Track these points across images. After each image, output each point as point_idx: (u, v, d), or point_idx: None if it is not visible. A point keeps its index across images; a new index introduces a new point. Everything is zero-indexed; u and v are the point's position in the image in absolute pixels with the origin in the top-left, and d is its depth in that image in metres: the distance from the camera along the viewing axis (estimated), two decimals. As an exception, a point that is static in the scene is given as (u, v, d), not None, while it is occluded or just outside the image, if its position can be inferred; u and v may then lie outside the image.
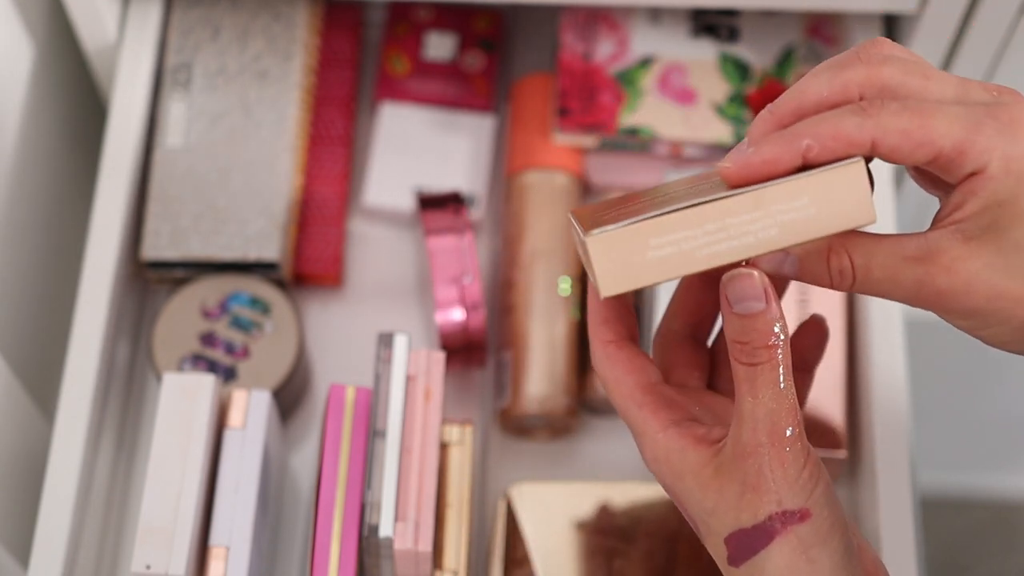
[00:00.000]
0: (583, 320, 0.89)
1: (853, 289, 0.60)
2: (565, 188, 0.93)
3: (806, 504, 0.58)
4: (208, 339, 0.87)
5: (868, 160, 0.58)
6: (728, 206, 0.57)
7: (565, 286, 0.90)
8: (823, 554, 0.58)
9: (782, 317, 0.58)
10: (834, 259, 0.60)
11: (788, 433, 0.58)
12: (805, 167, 0.58)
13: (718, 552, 0.59)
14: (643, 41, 0.96)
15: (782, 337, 0.58)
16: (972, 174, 0.57)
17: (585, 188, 0.96)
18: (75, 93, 1.02)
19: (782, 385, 0.58)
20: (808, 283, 0.60)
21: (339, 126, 0.97)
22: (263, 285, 0.89)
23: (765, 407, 0.58)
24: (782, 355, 0.58)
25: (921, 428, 1.37)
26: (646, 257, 0.57)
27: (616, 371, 0.63)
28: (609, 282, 0.57)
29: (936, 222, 0.60)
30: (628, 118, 0.93)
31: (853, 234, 0.59)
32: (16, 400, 0.87)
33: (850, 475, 0.88)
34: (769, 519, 0.58)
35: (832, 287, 0.60)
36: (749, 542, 0.58)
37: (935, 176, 0.60)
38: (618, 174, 0.95)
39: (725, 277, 0.58)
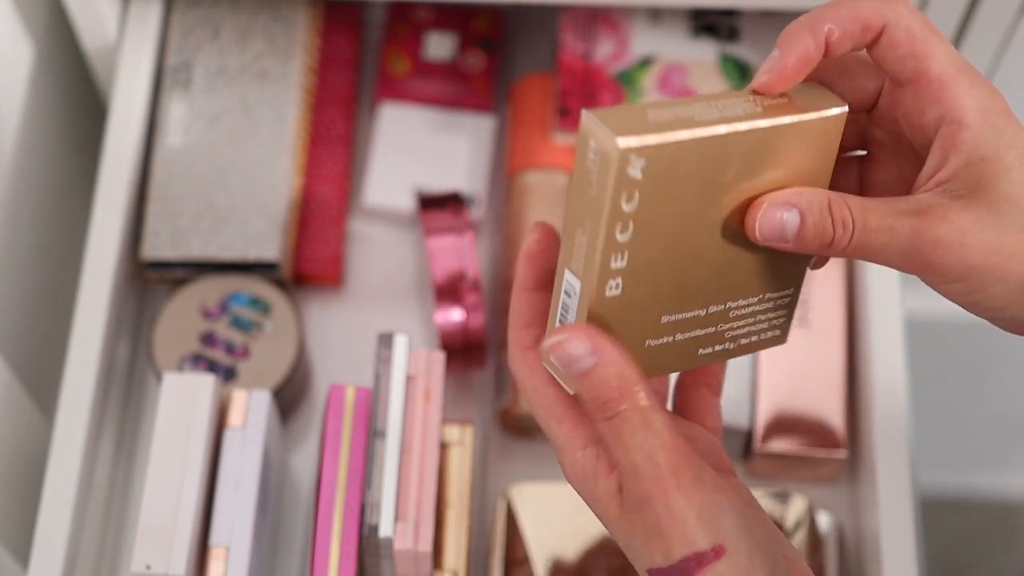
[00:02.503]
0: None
1: (851, 245, 0.58)
2: (565, 188, 0.93)
3: (717, 540, 0.55)
4: (208, 339, 0.87)
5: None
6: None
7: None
8: None
9: (620, 359, 0.56)
10: (835, 208, 0.58)
11: (675, 476, 0.55)
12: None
13: None
14: (643, 41, 0.96)
15: (628, 377, 0.56)
16: (948, 126, 0.58)
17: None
18: (75, 93, 1.02)
19: (655, 426, 0.56)
20: (806, 248, 0.58)
21: (339, 126, 0.97)
22: (263, 285, 0.89)
23: (641, 456, 0.55)
24: (640, 394, 0.56)
25: (921, 428, 1.37)
26: (647, 119, 0.55)
27: (535, 380, 0.60)
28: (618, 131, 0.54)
29: (918, 188, 0.59)
30: (628, 118, 0.93)
31: (848, 195, 0.59)
32: (16, 400, 0.87)
33: (850, 475, 0.88)
34: (684, 560, 0.55)
35: (832, 243, 0.58)
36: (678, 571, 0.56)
37: (904, 141, 0.61)
38: (618, 174, 0.95)
39: (545, 347, 0.57)
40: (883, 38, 0.59)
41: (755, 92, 0.59)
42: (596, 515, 0.58)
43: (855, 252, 0.59)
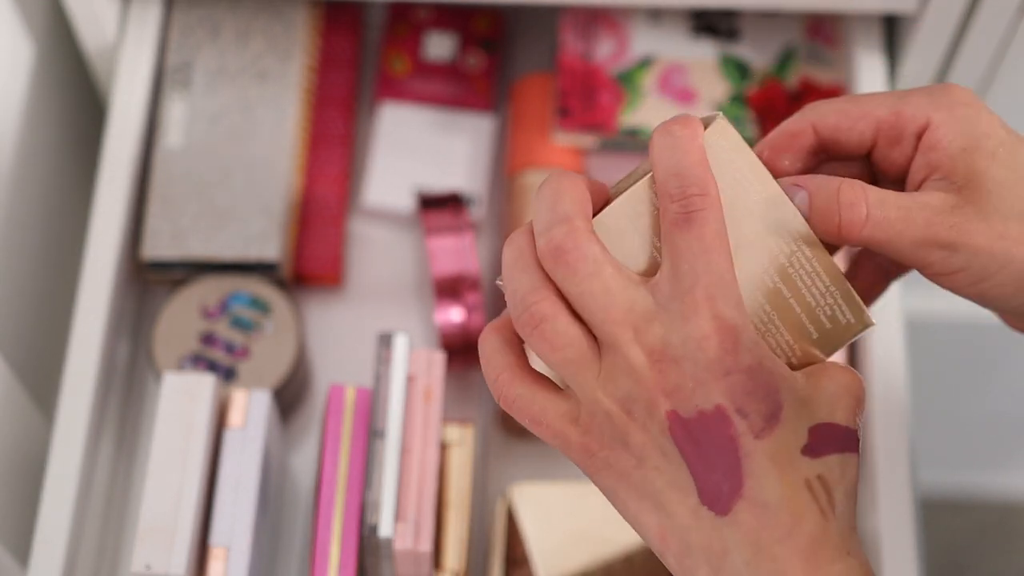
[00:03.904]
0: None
1: (867, 227, 0.59)
2: (565, 188, 0.93)
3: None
4: (208, 339, 0.87)
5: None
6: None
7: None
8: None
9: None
10: (845, 192, 0.59)
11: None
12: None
13: (793, 437, 0.55)
14: (643, 41, 0.96)
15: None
16: (921, 135, 0.60)
17: (585, 188, 0.96)
18: (75, 93, 1.02)
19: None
20: (816, 232, 0.58)
21: (339, 126, 0.97)
22: (263, 285, 0.89)
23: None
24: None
25: (921, 428, 1.37)
26: None
27: None
28: None
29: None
30: (628, 118, 0.93)
31: (866, 184, 0.60)
32: (16, 400, 0.87)
33: (850, 475, 0.88)
34: (856, 432, 0.56)
35: (840, 227, 0.59)
36: (835, 439, 0.56)
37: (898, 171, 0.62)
38: (618, 174, 0.95)
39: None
40: (823, 132, 0.62)
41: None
42: (762, 361, 0.56)
43: (870, 238, 0.59)
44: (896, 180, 0.63)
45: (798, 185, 0.59)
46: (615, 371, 0.56)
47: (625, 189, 0.58)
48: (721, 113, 0.59)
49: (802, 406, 0.56)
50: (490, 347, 0.59)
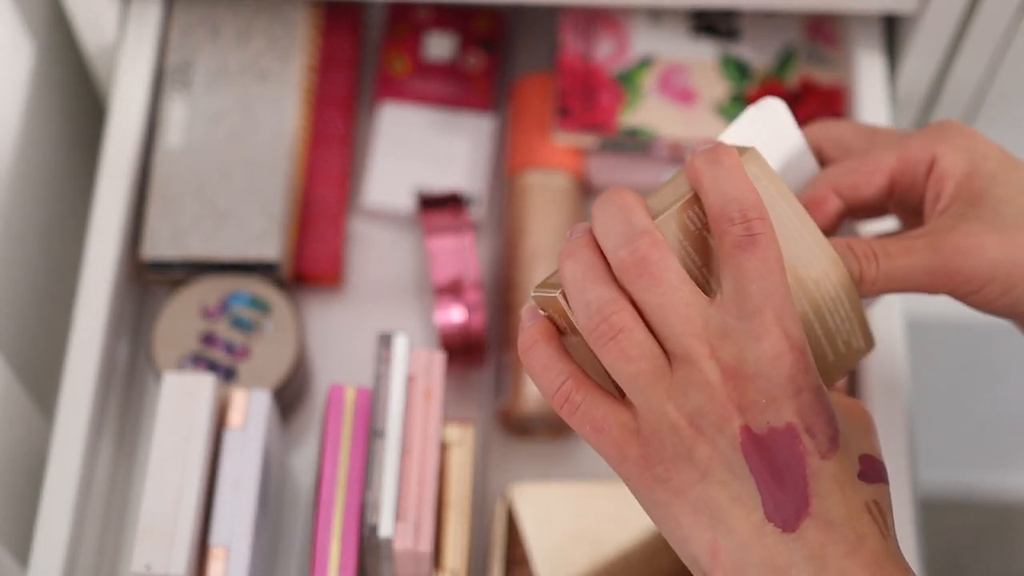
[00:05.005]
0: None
1: (880, 274, 0.63)
2: (565, 188, 0.93)
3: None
4: (208, 339, 0.87)
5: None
6: None
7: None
8: None
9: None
10: (856, 245, 0.64)
11: None
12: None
13: (849, 463, 0.58)
14: (643, 41, 0.96)
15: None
16: (930, 170, 0.65)
17: (585, 188, 0.96)
18: (75, 93, 1.02)
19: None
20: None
21: (339, 126, 0.97)
22: (263, 285, 0.89)
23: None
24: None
25: (921, 428, 1.37)
26: None
27: None
28: None
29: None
30: (628, 118, 0.93)
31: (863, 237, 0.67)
32: (16, 400, 0.87)
33: (850, 475, 0.88)
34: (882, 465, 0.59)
35: (862, 276, 0.63)
36: (876, 469, 0.59)
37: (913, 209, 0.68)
38: (618, 174, 0.95)
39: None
40: (845, 197, 0.67)
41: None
42: (816, 393, 0.59)
43: (885, 281, 0.63)
44: (917, 216, 0.68)
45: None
46: (687, 385, 0.57)
47: (661, 210, 0.60)
48: (754, 147, 0.62)
49: (851, 435, 0.59)
50: (545, 355, 0.60)
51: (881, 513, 0.57)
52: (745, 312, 0.57)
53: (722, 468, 0.57)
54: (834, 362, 0.62)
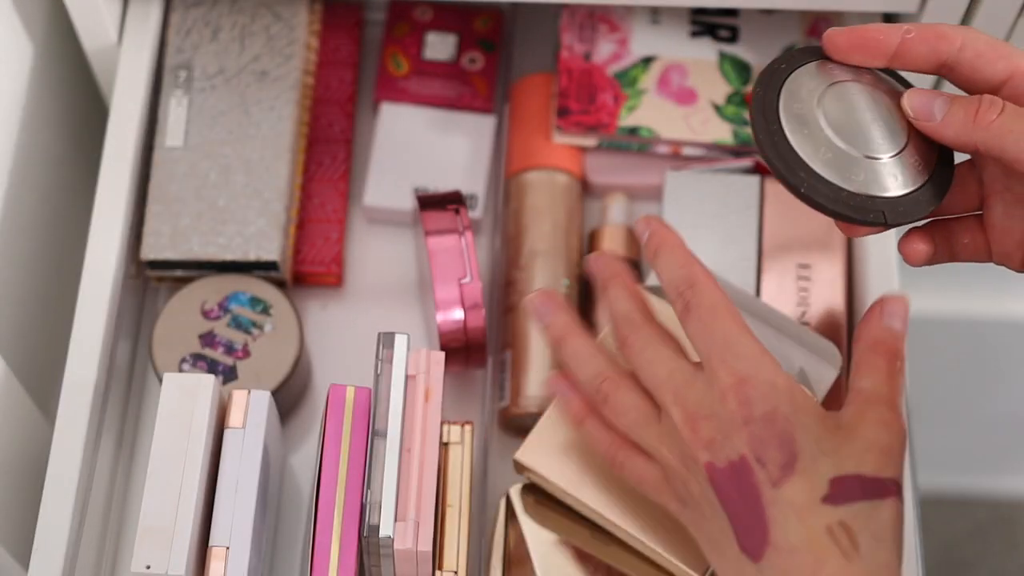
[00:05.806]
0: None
1: (1000, 118, 0.63)
2: (565, 188, 0.93)
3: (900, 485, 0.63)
4: (208, 339, 0.87)
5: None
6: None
7: (565, 286, 0.90)
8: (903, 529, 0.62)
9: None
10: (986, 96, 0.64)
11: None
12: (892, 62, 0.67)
13: (810, 487, 0.60)
14: (643, 41, 0.96)
15: None
16: None
17: (585, 188, 0.96)
18: (75, 93, 1.02)
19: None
20: (949, 126, 0.64)
21: (339, 126, 0.97)
22: (263, 285, 0.89)
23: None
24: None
25: (921, 428, 1.37)
26: None
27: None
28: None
29: None
30: (628, 118, 0.93)
31: None
32: (16, 400, 0.87)
33: (850, 475, 0.88)
34: (890, 479, 0.61)
35: (977, 115, 0.63)
36: (861, 488, 0.60)
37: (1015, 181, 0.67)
38: (618, 174, 0.95)
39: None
40: (966, 52, 0.65)
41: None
42: (788, 420, 0.63)
43: (997, 136, 0.62)
44: None
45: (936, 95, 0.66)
46: (671, 429, 0.66)
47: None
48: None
49: (824, 457, 0.61)
50: (595, 429, 0.72)
51: (848, 534, 0.59)
52: (702, 364, 0.66)
53: (705, 503, 0.64)
54: None
